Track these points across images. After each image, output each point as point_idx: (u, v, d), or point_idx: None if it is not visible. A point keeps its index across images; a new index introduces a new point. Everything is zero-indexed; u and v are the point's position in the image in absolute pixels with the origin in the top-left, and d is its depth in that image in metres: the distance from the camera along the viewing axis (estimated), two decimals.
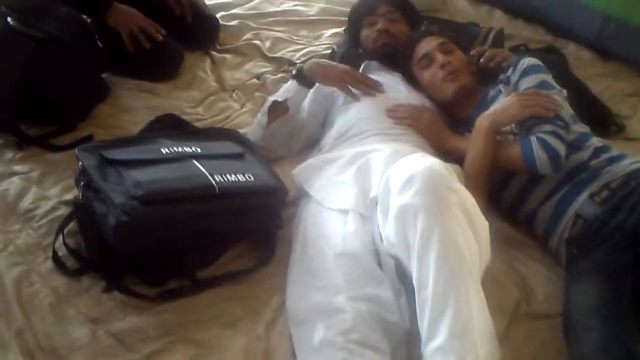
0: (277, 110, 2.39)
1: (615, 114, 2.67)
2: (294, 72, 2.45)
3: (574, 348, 1.71)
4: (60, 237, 1.98)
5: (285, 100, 2.39)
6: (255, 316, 1.86)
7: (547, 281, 2.02)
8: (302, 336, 1.75)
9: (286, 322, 1.84)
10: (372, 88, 2.41)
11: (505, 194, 2.16)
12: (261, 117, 2.41)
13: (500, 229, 2.09)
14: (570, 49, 3.18)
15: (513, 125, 2.12)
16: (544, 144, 1.97)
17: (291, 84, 2.44)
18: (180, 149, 2.02)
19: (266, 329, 1.82)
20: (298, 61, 3.00)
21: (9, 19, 2.36)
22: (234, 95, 2.83)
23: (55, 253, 1.95)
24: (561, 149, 1.98)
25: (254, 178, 1.98)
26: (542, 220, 2.07)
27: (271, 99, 2.43)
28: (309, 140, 2.45)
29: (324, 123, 2.48)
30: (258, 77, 2.92)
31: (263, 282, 1.96)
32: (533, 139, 1.99)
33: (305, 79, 2.40)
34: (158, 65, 2.79)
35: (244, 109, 2.73)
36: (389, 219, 1.70)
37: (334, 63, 2.49)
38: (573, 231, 1.98)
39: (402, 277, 1.78)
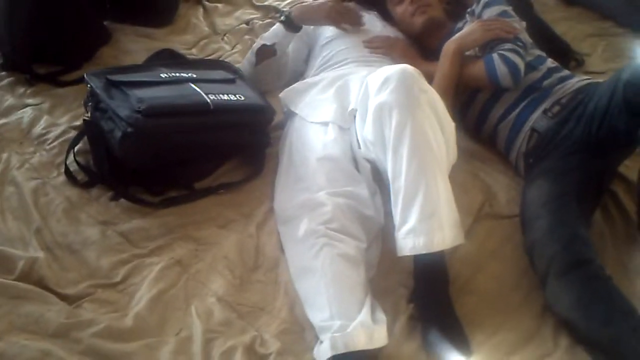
0: (265, 52, 2.55)
1: (575, 50, 2.87)
2: (282, 17, 2.57)
3: (528, 236, 1.93)
4: (72, 154, 2.21)
5: (274, 44, 2.55)
6: (247, 218, 2.09)
7: (508, 188, 2.23)
8: (288, 231, 1.98)
9: (275, 224, 2.07)
10: (355, 18, 2.57)
11: (469, 113, 2.36)
12: (250, 56, 2.59)
13: (466, 146, 2.31)
14: None
15: (477, 48, 2.32)
16: (505, 59, 2.17)
17: (279, 29, 2.57)
18: (177, 74, 2.24)
19: (257, 228, 2.05)
20: (284, 9, 3.20)
21: None
22: (225, 38, 3.03)
23: (67, 167, 2.18)
24: (520, 63, 2.17)
25: (245, 98, 2.20)
26: (502, 137, 2.28)
27: (260, 41, 2.58)
28: (293, 74, 2.63)
29: (307, 58, 2.67)
30: (247, 22, 3.13)
31: (253, 191, 2.19)
32: (495, 55, 2.20)
33: (292, 25, 2.54)
34: (155, 12, 2.99)
35: (234, 50, 2.94)
36: (367, 119, 1.88)
37: (317, 2, 2.63)
38: (529, 144, 2.19)
39: (378, 179, 2.00)
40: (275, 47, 2.55)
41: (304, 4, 2.72)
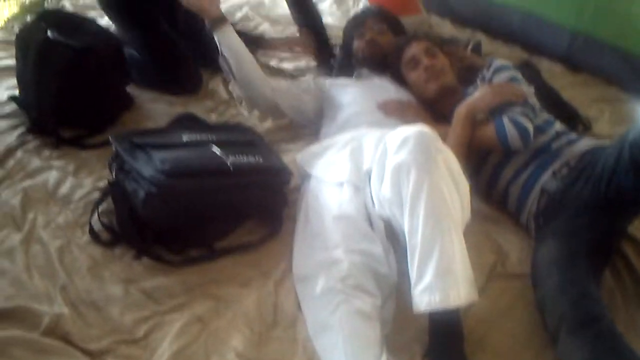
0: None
1: (582, 114, 2.94)
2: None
3: (538, 293, 1.98)
4: (96, 214, 2.28)
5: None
6: (265, 277, 2.14)
7: (520, 248, 2.28)
8: (306, 289, 2.03)
9: (292, 282, 2.11)
10: None
11: (480, 176, 2.43)
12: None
13: (478, 207, 2.35)
14: (544, 64, 3.47)
15: (487, 112, 2.39)
16: (515, 122, 2.26)
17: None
18: (198, 137, 2.33)
19: (275, 286, 2.10)
20: (295, 73, 3.40)
21: (48, 32, 2.66)
22: (243, 104, 3.12)
23: (91, 227, 2.25)
24: (530, 126, 2.26)
25: (263, 160, 2.28)
26: (513, 198, 2.35)
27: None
28: (290, 110, 2.82)
29: (320, 109, 2.79)
30: None
31: (271, 251, 2.24)
32: (505, 118, 2.28)
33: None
34: (180, 86, 3.16)
35: (252, 115, 3.03)
36: (385, 178, 1.94)
37: None
38: (540, 205, 2.26)
39: (392, 238, 2.05)
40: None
41: None
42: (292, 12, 3.47)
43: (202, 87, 3.25)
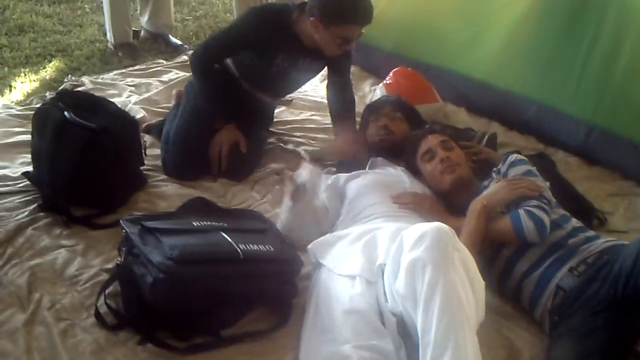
0: (298, 192, 2.60)
1: (597, 208, 2.93)
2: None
3: None
4: (102, 297, 2.25)
5: (303, 183, 2.59)
6: None
7: (532, 345, 2.23)
8: None
9: None
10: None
11: (493, 268, 2.39)
12: (286, 200, 2.64)
13: (490, 302, 2.29)
14: (560, 156, 3.45)
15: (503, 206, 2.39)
16: (531, 215, 2.24)
17: (304, 166, 2.68)
18: (209, 223, 2.33)
19: None
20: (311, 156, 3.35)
21: (65, 113, 2.69)
22: (255, 187, 3.13)
23: (97, 310, 2.22)
24: (546, 219, 2.24)
25: (273, 249, 2.27)
26: (527, 293, 2.30)
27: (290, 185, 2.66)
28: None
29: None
30: (277, 173, 3.22)
31: (279, 341, 2.20)
32: (521, 211, 2.27)
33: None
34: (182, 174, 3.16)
35: (264, 200, 3.02)
36: (400, 273, 1.93)
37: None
38: (555, 301, 2.21)
39: (403, 334, 2.01)
40: (305, 185, 2.59)
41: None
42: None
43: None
